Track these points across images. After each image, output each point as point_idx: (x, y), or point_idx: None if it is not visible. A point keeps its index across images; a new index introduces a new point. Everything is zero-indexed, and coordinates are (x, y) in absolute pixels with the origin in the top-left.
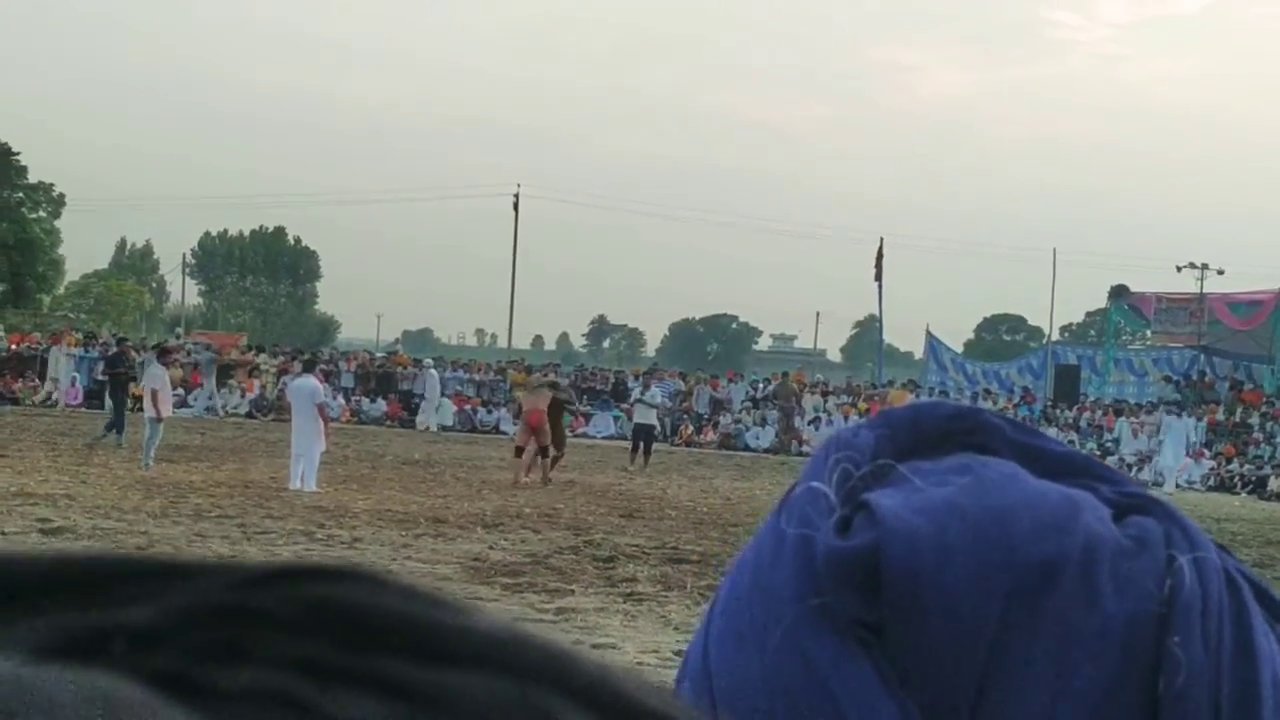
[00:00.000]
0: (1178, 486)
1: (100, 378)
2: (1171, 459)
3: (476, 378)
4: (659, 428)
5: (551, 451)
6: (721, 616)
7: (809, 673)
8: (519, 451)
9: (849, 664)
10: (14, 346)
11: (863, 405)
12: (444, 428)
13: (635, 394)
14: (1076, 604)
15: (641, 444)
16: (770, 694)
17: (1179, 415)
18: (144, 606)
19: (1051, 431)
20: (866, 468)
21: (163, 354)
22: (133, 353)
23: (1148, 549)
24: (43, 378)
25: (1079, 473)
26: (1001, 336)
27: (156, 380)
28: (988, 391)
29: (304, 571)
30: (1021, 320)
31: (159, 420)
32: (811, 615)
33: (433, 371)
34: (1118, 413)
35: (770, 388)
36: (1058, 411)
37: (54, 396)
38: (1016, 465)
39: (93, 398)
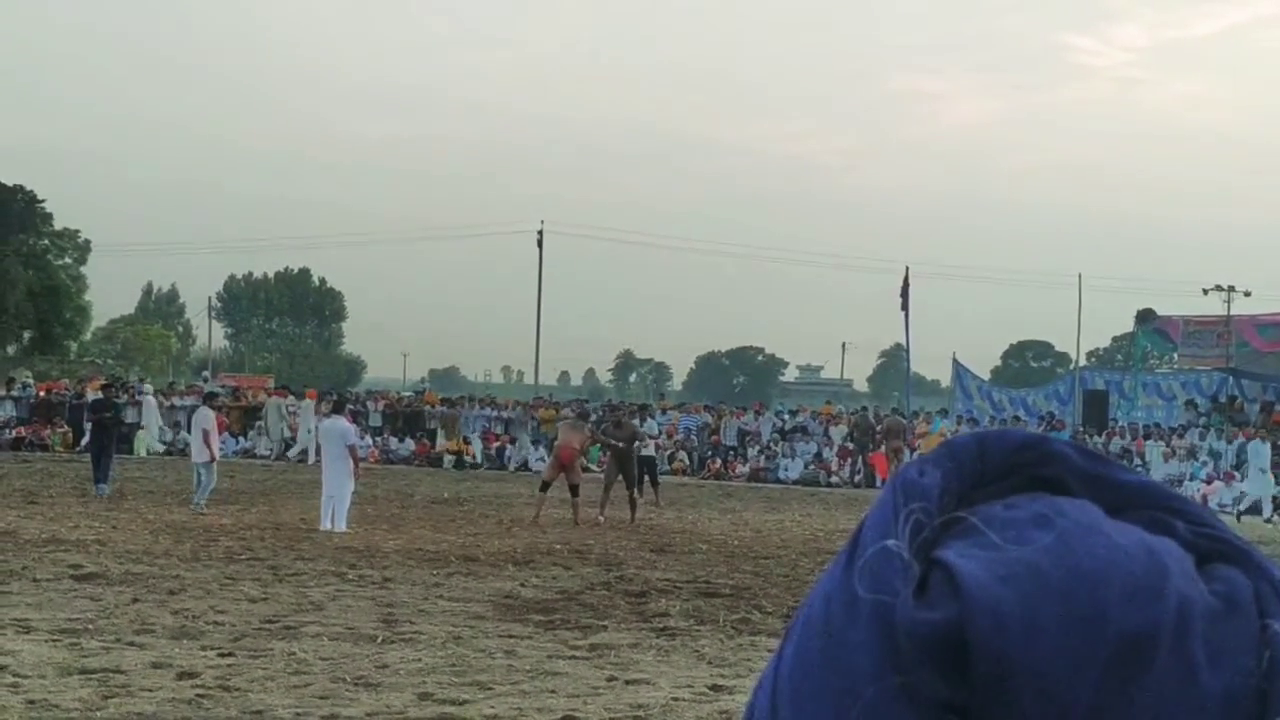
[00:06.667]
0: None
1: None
2: (1260, 487)
3: (505, 415)
4: (686, 460)
5: (591, 490)
6: (790, 681)
7: None
8: (544, 486)
9: None
10: (43, 393)
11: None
12: (473, 465)
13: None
14: (1171, 679)
15: (647, 477)
16: None
17: (1262, 439)
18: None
19: None
20: (939, 519)
21: (209, 398)
22: (115, 395)
23: (1239, 611)
24: (72, 424)
25: (1153, 505)
26: (1029, 363)
27: (207, 422)
28: (1016, 419)
29: None
30: (1048, 346)
31: (212, 462)
32: (893, 695)
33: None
34: (1147, 437)
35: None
36: (1087, 437)
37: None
38: (1095, 509)
39: (123, 442)
